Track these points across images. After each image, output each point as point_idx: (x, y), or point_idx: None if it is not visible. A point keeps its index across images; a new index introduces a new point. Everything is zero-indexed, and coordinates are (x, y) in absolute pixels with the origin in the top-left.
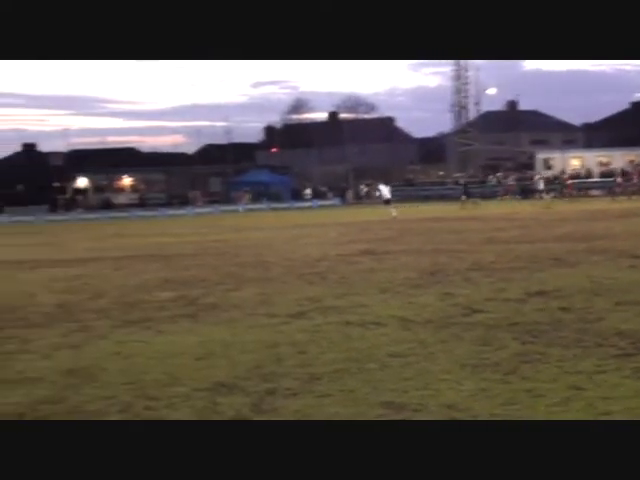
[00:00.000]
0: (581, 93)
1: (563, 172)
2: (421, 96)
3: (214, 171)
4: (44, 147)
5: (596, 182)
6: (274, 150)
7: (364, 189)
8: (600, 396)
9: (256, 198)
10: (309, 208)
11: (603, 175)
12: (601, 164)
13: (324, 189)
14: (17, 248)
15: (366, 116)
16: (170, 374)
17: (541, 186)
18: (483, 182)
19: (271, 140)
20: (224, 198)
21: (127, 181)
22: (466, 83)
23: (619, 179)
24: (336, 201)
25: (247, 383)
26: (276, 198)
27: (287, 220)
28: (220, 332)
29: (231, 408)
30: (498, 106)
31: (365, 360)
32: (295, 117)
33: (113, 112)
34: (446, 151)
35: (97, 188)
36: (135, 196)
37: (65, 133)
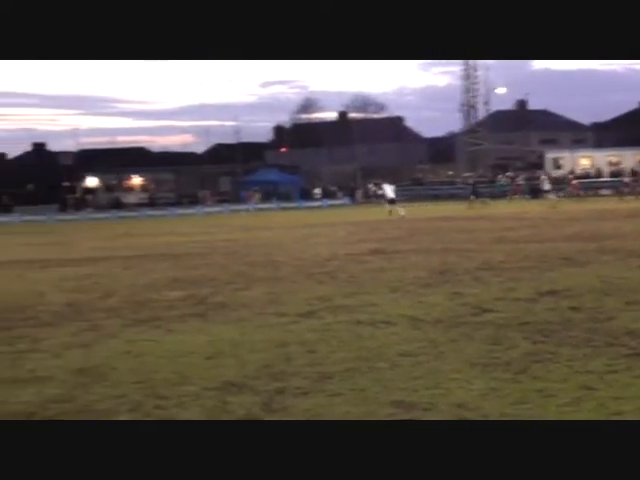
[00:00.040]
0: (591, 92)
1: (572, 172)
2: (430, 95)
3: (223, 170)
4: (54, 147)
5: (604, 182)
6: (283, 150)
7: (372, 188)
8: (611, 396)
9: (265, 197)
10: (318, 207)
11: (613, 175)
12: (611, 164)
13: (333, 188)
14: (27, 247)
15: (375, 115)
16: (180, 373)
17: (546, 186)
18: (492, 182)
19: (280, 140)
20: (233, 197)
21: (137, 181)
22: (475, 82)
23: (626, 179)
24: (345, 200)
25: (257, 382)
26: (286, 197)
27: (296, 219)
28: (229, 331)
29: (241, 407)
30: (507, 105)
31: (375, 359)
32: (304, 117)
33: (123, 112)
34: (455, 150)
35: (107, 187)
36: (145, 195)
37: (75, 133)
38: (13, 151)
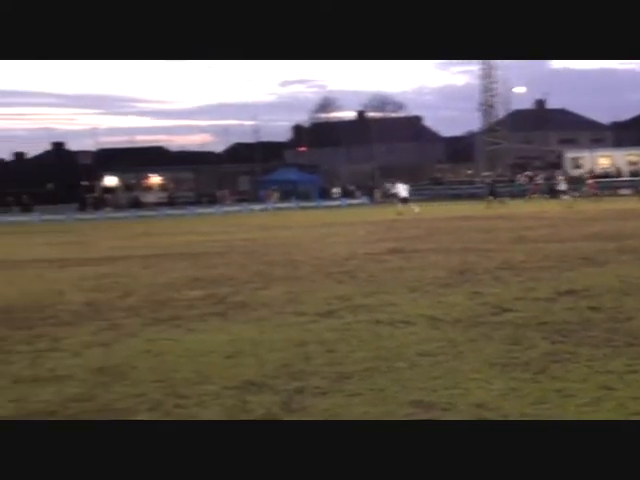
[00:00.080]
0: (610, 91)
1: (591, 171)
2: (449, 95)
3: (242, 170)
4: (73, 146)
5: (624, 181)
6: (302, 149)
7: (388, 187)
8: (631, 396)
9: (284, 197)
10: (337, 207)
11: (632, 174)
12: (630, 163)
13: (352, 188)
14: (46, 247)
15: (394, 115)
16: (200, 372)
17: (563, 187)
18: (512, 181)
19: (299, 139)
20: (252, 197)
21: (156, 180)
22: (494, 82)
23: None
24: (364, 200)
25: (276, 382)
26: (304, 197)
27: (315, 219)
28: (249, 330)
29: (261, 406)
30: (526, 105)
31: (394, 359)
32: (323, 116)
33: (142, 111)
34: (474, 150)
35: (126, 187)
36: (164, 195)
37: (94, 132)
38: (32, 150)
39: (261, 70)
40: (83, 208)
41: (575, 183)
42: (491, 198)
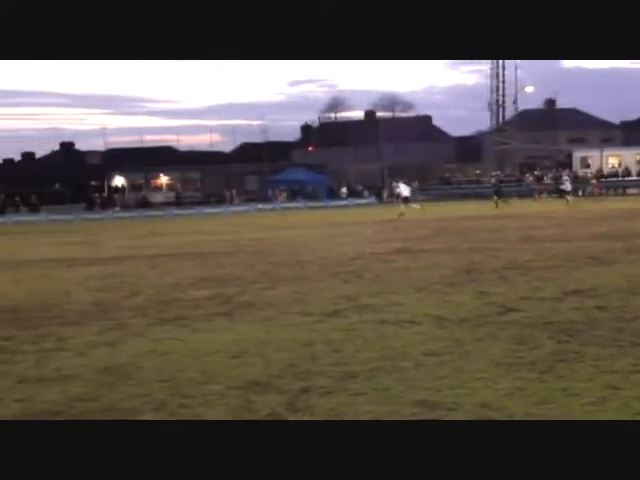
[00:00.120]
0: (620, 91)
1: (600, 170)
2: (458, 94)
3: (250, 170)
4: (82, 146)
5: (632, 180)
6: (310, 149)
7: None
8: (636, 396)
9: (292, 196)
10: (345, 207)
11: None
12: None
13: (360, 188)
14: (54, 246)
15: (403, 114)
16: (205, 372)
17: (568, 187)
18: (519, 181)
19: (307, 139)
20: (260, 196)
21: (164, 180)
22: (504, 81)
23: None
24: (372, 200)
25: (281, 381)
26: (312, 196)
27: (323, 218)
28: (255, 330)
29: (266, 406)
30: (536, 104)
31: (400, 358)
32: (332, 115)
33: (150, 111)
34: (483, 149)
35: (134, 187)
36: (172, 194)
37: (102, 132)
38: (41, 150)
39: (270, 70)
40: (91, 208)
41: (579, 183)
42: (496, 198)
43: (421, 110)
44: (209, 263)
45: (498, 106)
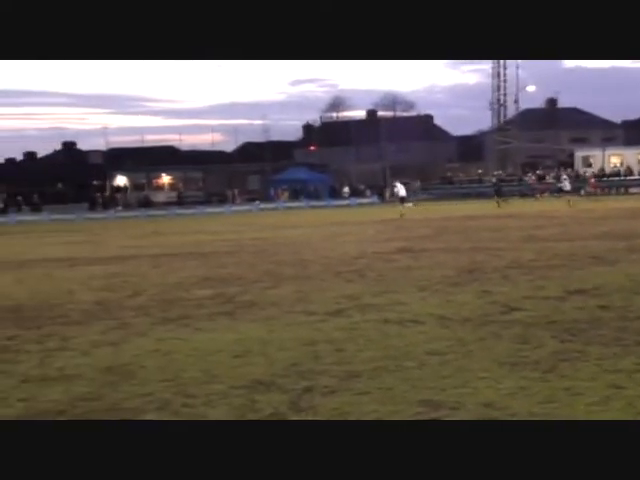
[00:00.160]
0: (621, 90)
1: (601, 169)
2: (460, 94)
3: (252, 169)
4: (84, 145)
5: (634, 180)
6: (312, 148)
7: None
8: None
9: (294, 196)
10: (347, 206)
11: None
12: None
13: (362, 187)
14: (56, 246)
15: (404, 114)
16: (208, 371)
17: (567, 187)
18: (521, 180)
19: (309, 138)
20: (262, 196)
21: (166, 179)
22: (505, 80)
23: None
24: (374, 199)
25: (284, 381)
26: (314, 196)
27: (325, 218)
28: (258, 330)
29: (269, 406)
30: (537, 103)
31: (403, 358)
32: (334, 115)
33: (152, 110)
34: (485, 149)
35: (136, 186)
36: (174, 194)
37: (104, 131)
38: (43, 150)
39: (272, 69)
40: (93, 207)
41: (581, 182)
42: (496, 198)
43: (422, 109)
44: (211, 262)
45: (499, 105)
